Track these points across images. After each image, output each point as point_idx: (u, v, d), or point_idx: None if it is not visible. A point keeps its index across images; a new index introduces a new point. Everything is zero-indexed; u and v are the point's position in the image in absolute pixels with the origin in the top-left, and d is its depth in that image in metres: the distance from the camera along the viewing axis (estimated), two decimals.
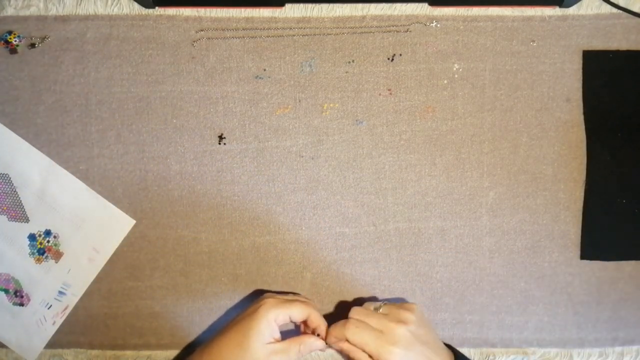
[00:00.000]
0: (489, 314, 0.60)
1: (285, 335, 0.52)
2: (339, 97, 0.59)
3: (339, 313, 0.60)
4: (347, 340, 0.50)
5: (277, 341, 0.51)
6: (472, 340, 0.60)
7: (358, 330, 0.49)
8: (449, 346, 0.53)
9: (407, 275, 0.60)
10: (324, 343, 0.52)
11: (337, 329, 0.51)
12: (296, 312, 0.51)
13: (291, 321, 0.52)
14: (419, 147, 0.59)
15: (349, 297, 0.60)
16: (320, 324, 0.52)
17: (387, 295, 0.60)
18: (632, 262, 0.60)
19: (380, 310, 0.52)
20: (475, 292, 0.60)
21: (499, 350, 0.60)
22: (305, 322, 0.53)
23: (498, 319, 0.60)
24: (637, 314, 0.60)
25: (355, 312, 0.51)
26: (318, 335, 0.52)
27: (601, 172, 0.59)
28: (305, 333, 0.54)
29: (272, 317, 0.50)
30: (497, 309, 0.60)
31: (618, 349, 0.60)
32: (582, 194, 0.60)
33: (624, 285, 0.60)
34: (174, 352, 0.60)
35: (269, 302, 0.51)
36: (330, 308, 0.60)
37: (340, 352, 0.52)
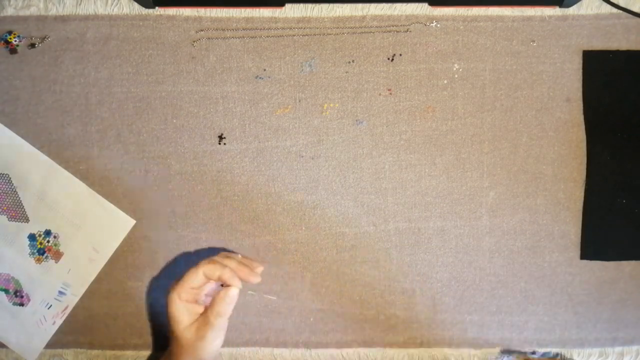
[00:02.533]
0: (489, 314, 0.60)
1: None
2: (339, 97, 0.59)
3: (338, 310, 0.60)
4: None
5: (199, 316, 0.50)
6: (472, 340, 0.60)
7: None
8: None
9: (407, 275, 0.60)
10: (235, 288, 0.49)
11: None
12: (191, 280, 0.49)
13: (200, 286, 0.50)
14: (419, 147, 0.59)
15: (349, 297, 0.60)
16: (219, 272, 0.49)
17: (387, 295, 0.60)
18: (632, 262, 0.60)
19: None
20: (475, 292, 0.60)
21: (499, 350, 0.60)
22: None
23: (498, 319, 0.60)
24: (637, 314, 0.60)
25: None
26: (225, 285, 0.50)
27: (601, 172, 0.59)
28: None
29: (175, 298, 0.49)
30: (497, 309, 0.60)
31: (618, 349, 0.60)
32: (582, 194, 0.60)
33: (624, 285, 0.60)
34: None
35: (169, 288, 0.50)
36: (330, 308, 0.60)
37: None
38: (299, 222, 0.60)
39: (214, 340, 0.49)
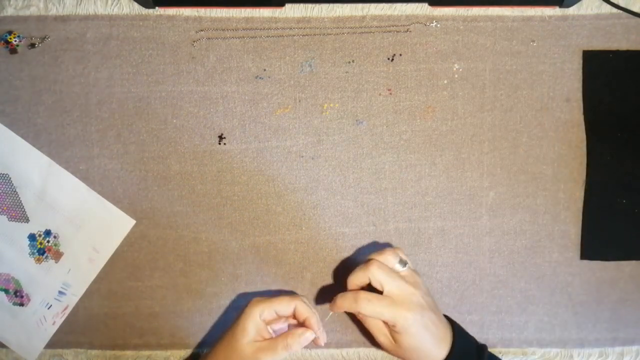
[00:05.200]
0: (489, 314, 0.60)
1: None
2: (339, 97, 0.59)
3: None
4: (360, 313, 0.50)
5: (266, 339, 0.50)
6: None
7: (371, 304, 0.49)
8: (446, 317, 0.54)
9: None
10: (313, 333, 0.50)
11: (346, 301, 0.50)
12: (281, 306, 0.50)
13: (280, 316, 0.51)
14: (419, 147, 0.59)
15: None
16: (309, 315, 0.51)
17: None
18: (632, 262, 0.60)
19: (403, 269, 0.52)
20: (475, 292, 0.60)
21: (499, 350, 0.60)
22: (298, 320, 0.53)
23: (498, 319, 0.60)
24: (637, 314, 0.60)
25: (376, 268, 0.50)
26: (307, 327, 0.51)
27: (601, 172, 0.59)
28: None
29: (257, 314, 0.50)
30: (497, 309, 0.60)
31: (618, 349, 0.60)
32: (582, 194, 0.60)
33: (624, 285, 0.60)
34: (174, 352, 0.60)
35: (254, 300, 0.51)
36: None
37: (353, 308, 0.51)
38: (299, 222, 0.60)
39: None
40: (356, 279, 0.52)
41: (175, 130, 0.59)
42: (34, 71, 0.59)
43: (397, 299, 0.50)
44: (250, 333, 0.50)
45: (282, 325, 0.53)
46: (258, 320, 0.50)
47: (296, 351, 0.50)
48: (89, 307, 0.60)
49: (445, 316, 0.54)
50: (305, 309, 0.51)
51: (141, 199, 0.59)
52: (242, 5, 0.58)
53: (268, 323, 0.51)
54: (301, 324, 0.52)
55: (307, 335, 0.50)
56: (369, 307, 0.49)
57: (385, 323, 0.51)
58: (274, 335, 0.51)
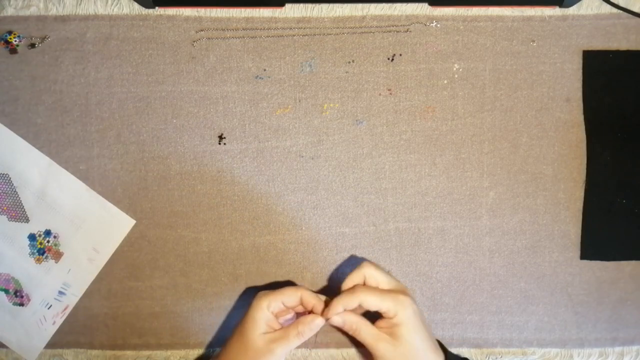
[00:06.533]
0: (489, 314, 0.60)
1: None
2: (339, 97, 0.59)
3: None
4: (360, 304, 0.50)
5: (277, 330, 0.51)
6: (472, 340, 0.60)
7: (370, 292, 0.50)
8: (439, 342, 0.54)
9: (407, 275, 0.60)
10: (322, 319, 0.51)
11: (344, 298, 0.50)
12: (287, 297, 0.51)
13: (287, 307, 0.52)
14: (419, 147, 0.59)
15: None
16: (315, 302, 0.51)
17: None
18: (632, 262, 0.60)
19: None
20: (475, 292, 0.60)
21: (499, 350, 0.60)
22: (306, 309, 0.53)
23: (498, 319, 0.60)
24: (637, 314, 0.60)
25: (369, 265, 0.52)
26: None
27: (601, 172, 0.59)
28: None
29: (265, 305, 0.50)
30: (497, 309, 0.60)
31: (618, 349, 0.60)
32: (582, 194, 0.60)
33: (624, 285, 0.60)
34: (174, 352, 0.60)
35: (260, 293, 0.52)
36: None
37: (342, 327, 0.51)
38: (299, 222, 0.60)
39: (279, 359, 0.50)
40: (350, 281, 0.52)
41: (175, 130, 0.59)
42: (34, 71, 0.59)
43: (394, 290, 0.51)
44: (260, 325, 0.50)
45: (289, 316, 0.54)
46: (267, 312, 0.50)
47: (307, 338, 0.50)
48: (89, 307, 0.60)
49: (439, 341, 0.54)
50: (311, 296, 0.51)
51: (141, 199, 0.59)
52: (242, 5, 0.58)
53: (276, 315, 0.51)
54: (309, 312, 0.52)
55: (318, 322, 0.50)
56: (369, 296, 0.49)
57: (382, 322, 0.50)
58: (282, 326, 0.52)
